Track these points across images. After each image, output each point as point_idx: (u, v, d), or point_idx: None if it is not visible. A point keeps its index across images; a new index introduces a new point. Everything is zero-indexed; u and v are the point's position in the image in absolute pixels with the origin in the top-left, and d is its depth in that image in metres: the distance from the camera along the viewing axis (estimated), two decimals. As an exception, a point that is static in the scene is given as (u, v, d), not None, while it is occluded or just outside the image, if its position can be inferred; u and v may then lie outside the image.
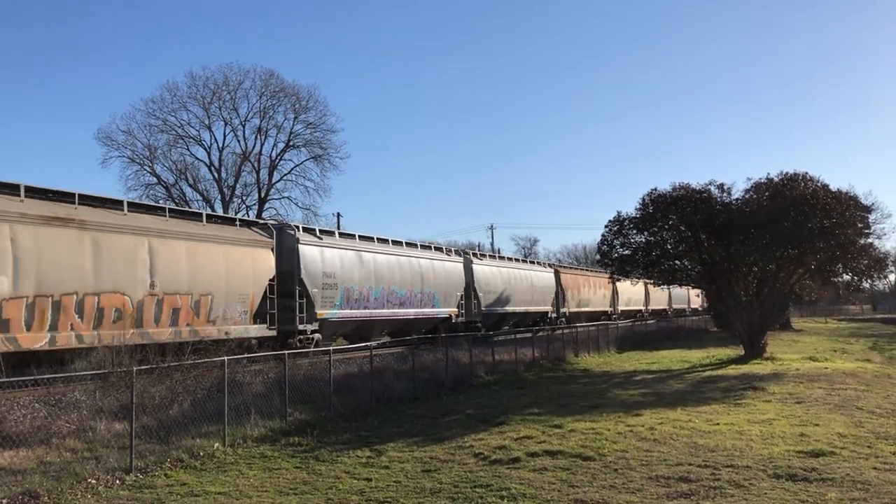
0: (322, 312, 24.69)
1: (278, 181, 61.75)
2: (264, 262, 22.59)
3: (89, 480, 9.93)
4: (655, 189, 30.23)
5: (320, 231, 26.96)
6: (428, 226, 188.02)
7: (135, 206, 19.96)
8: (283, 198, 62.05)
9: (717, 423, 14.03)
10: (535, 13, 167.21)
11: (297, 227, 25.19)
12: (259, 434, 13.09)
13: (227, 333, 20.54)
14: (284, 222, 27.06)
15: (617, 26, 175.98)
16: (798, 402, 16.87)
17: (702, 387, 20.46)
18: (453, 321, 32.78)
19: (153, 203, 24.74)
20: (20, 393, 14.23)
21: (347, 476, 10.42)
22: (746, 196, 29.44)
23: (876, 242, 30.80)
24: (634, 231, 30.73)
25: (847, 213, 27.45)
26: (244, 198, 61.41)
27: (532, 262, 46.44)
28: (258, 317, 22.21)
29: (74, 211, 17.50)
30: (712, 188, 29.63)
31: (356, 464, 11.21)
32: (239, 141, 60.61)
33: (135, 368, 11.68)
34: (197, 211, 25.46)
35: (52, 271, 16.48)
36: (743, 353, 29.97)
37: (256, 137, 60.64)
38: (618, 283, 47.79)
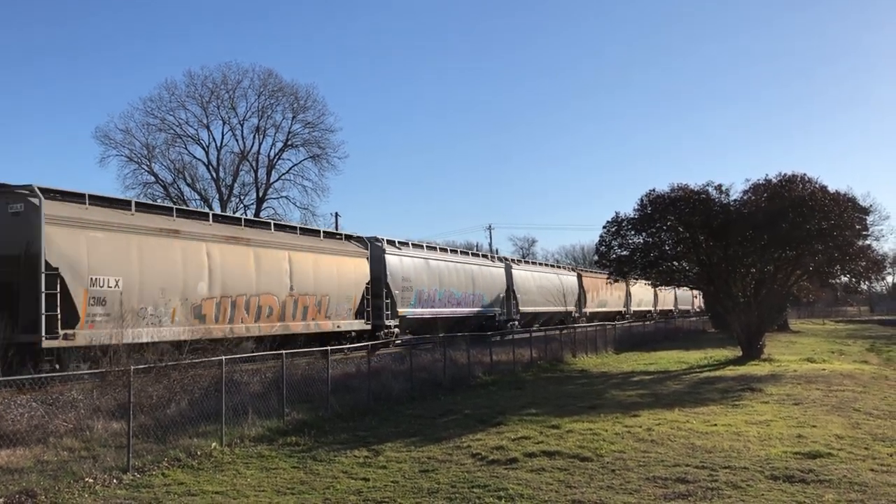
0: (401, 311, 30.07)
1: (276, 181, 61.82)
2: (362, 269, 27.88)
3: (86, 479, 9.92)
4: (654, 190, 30.26)
5: (399, 242, 31.99)
6: (426, 226, 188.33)
7: (279, 227, 25.78)
8: (282, 197, 62.13)
9: (715, 425, 14.04)
10: (534, 13, 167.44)
11: (383, 240, 30.42)
12: (257, 434, 13.08)
13: (338, 326, 26.07)
14: (374, 236, 30.60)
15: (616, 26, 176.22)
16: (795, 404, 16.88)
17: (699, 388, 20.47)
18: (497, 319, 37.75)
19: (288, 223, 29.11)
20: (17, 392, 14.22)
21: (345, 476, 10.42)
22: (745, 197, 29.45)
23: (874, 244, 30.82)
24: (633, 232, 30.72)
25: (845, 214, 27.46)
26: (242, 197, 61.48)
27: (559, 267, 50.83)
28: (358, 314, 27.29)
29: (242, 231, 22.90)
30: (710, 189, 29.66)
31: (354, 464, 11.20)
32: (237, 140, 60.67)
33: (132, 368, 11.67)
34: (316, 228, 30.17)
35: (231, 278, 21.64)
36: (741, 354, 29.98)
37: (255, 137, 60.70)
38: (631, 286, 52.23)
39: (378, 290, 28.73)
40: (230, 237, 22.01)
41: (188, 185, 60.03)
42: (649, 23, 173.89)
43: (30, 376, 12.55)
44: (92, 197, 18.78)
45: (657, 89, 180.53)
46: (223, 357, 13.78)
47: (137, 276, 18.78)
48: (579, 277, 49.69)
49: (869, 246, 29.89)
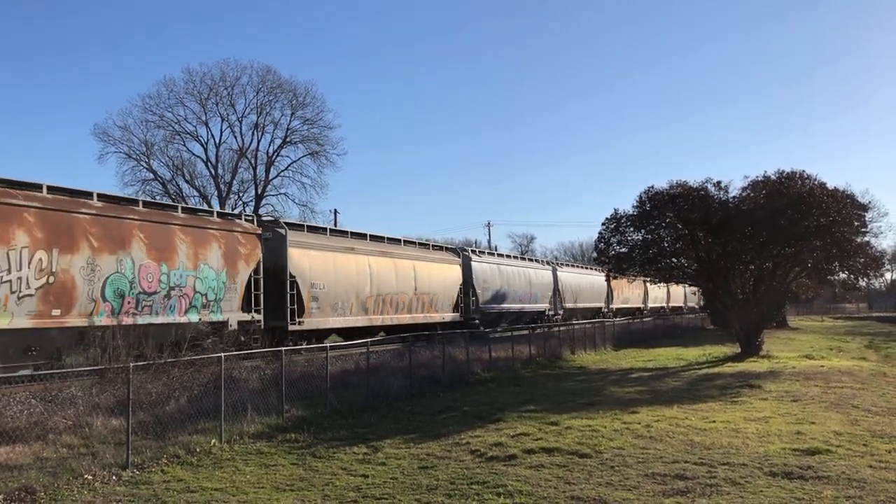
0: (482, 306, 36.48)
1: (275, 177, 61.80)
2: (457, 274, 34.92)
3: (86, 476, 9.93)
4: (653, 187, 30.28)
5: (479, 251, 40.42)
6: (425, 223, 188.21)
7: (407, 242, 32.53)
8: (280, 194, 62.13)
9: (714, 421, 14.05)
10: (534, 12, 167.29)
11: (470, 250, 37.79)
12: (256, 430, 13.09)
13: (443, 318, 32.90)
14: (464, 247, 37.89)
15: (616, 25, 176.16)
16: (794, 400, 16.90)
17: (698, 384, 20.49)
18: (545, 314, 43.34)
19: (412, 240, 33.98)
20: (16, 388, 14.23)
21: (344, 472, 10.43)
22: (743, 194, 29.46)
23: (872, 241, 30.76)
24: (632, 229, 30.74)
25: (844, 211, 27.46)
26: (241, 194, 61.45)
27: (593, 269, 53.13)
28: (455, 308, 34.17)
29: (386, 247, 30.24)
30: (709, 186, 29.65)
31: (353, 460, 11.21)
32: (236, 137, 60.63)
33: (131, 364, 11.67)
34: (426, 242, 36.34)
35: (381, 282, 28.74)
36: (739, 350, 30.01)
37: (253, 133, 60.66)
38: (648, 284, 56.13)
39: (467, 290, 35.49)
40: (380, 251, 29.42)
41: (187, 181, 60.07)
42: (649, 22, 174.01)
43: (29, 374, 12.54)
44: (309, 227, 27.78)
45: (657, 88, 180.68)
46: (222, 354, 13.78)
47: (333, 281, 26.08)
48: (607, 278, 52.50)
49: (867, 243, 29.90)
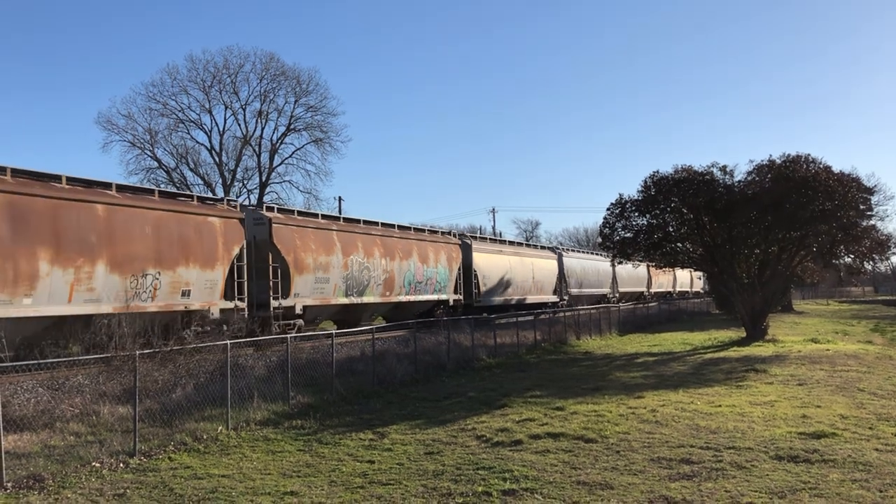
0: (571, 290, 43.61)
1: (279, 165, 61.72)
2: (554, 265, 44.79)
3: (93, 464, 9.98)
4: (657, 172, 30.17)
5: (567, 247, 51.52)
6: (429, 209, 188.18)
7: (528, 245, 42.29)
8: (284, 181, 62.07)
9: (719, 405, 14.06)
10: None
11: (561, 248, 48.90)
12: (262, 417, 13.13)
13: (549, 299, 42.92)
14: (557, 245, 46.41)
15: (622, 9, 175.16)
16: (800, 384, 16.90)
17: (703, 369, 20.49)
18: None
19: (523, 242, 37.90)
20: (24, 377, 14.27)
21: (350, 458, 10.46)
22: (749, 178, 29.36)
23: (878, 224, 30.69)
24: (636, 214, 30.66)
25: (849, 194, 27.34)
26: (245, 182, 61.40)
27: (597, 254, 54.49)
28: (555, 291, 44.24)
29: (520, 249, 42.96)
30: (714, 170, 29.54)
31: (359, 446, 11.24)
32: (240, 125, 60.51)
33: (137, 353, 11.70)
34: (534, 244, 45.25)
35: (518, 274, 39.47)
36: (745, 335, 29.99)
37: (257, 121, 60.52)
38: (676, 270, 61.77)
39: (561, 277, 45.01)
40: (513, 253, 40.49)
41: (191, 170, 60.01)
42: (655, 5, 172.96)
43: (35, 361, 12.57)
44: (480, 237, 39.25)
45: (662, 72, 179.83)
46: (227, 341, 13.80)
47: (497, 274, 36.87)
48: (648, 267, 56.10)
49: (873, 226, 29.83)
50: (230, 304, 20.67)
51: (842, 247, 29.81)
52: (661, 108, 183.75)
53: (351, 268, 25.79)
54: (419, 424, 12.86)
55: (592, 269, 51.67)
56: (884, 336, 36.96)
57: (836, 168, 28.34)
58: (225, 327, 19.61)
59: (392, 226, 29.96)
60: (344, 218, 28.83)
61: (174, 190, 28.65)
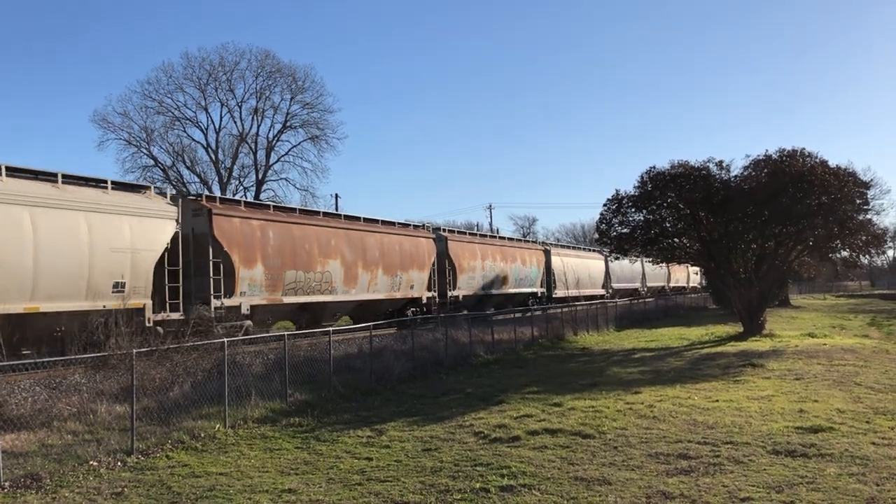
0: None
1: (275, 162, 61.78)
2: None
3: (91, 462, 9.97)
4: (654, 167, 30.15)
5: (555, 244, 52.87)
6: (426, 206, 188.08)
7: (368, 221, 29.66)
8: (281, 179, 62.23)
9: (717, 400, 14.08)
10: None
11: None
12: (259, 415, 13.12)
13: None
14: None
15: (619, 7, 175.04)
16: (797, 379, 16.92)
17: (700, 364, 20.52)
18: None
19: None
20: (20, 376, 14.25)
21: (348, 456, 10.46)
22: (745, 173, 29.35)
23: (874, 218, 30.75)
24: (633, 209, 30.65)
25: (846, 189, 27.36)
26: (241, 179, 61.45)
27: (592, 250, 55.42)
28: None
29: (579, 251, 51.71)
30: (711, 165, 29.55)
31: (357, 443, 11.24)
32: (236, 122, 60.52)
33: (134, 351, 11.69)
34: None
35: (581, 273, 48.13)
36: (742, 330, 30.02)
37: (253, 118, 60.54)
38: (689, 267, 64.85)
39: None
40: (574, 255, 48.32)
41: (187, 167, 60.03)
42: (651, 4, 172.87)
43: (32, 360, 12.56)
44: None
45: (659, 68, 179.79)
46: (224, 339, 13.79)
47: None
48: (668, 267, 58.18)
49: (869, 220, 29.84)
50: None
51: (838, 241, 29.82)
52: (658, 104, 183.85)
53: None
54: (417, 421, 12.86)
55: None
56: (880, 330, 37.04)
57: (832, 162, 28.41)
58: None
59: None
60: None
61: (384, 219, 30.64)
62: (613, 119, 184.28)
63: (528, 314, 30.59)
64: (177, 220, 19.94)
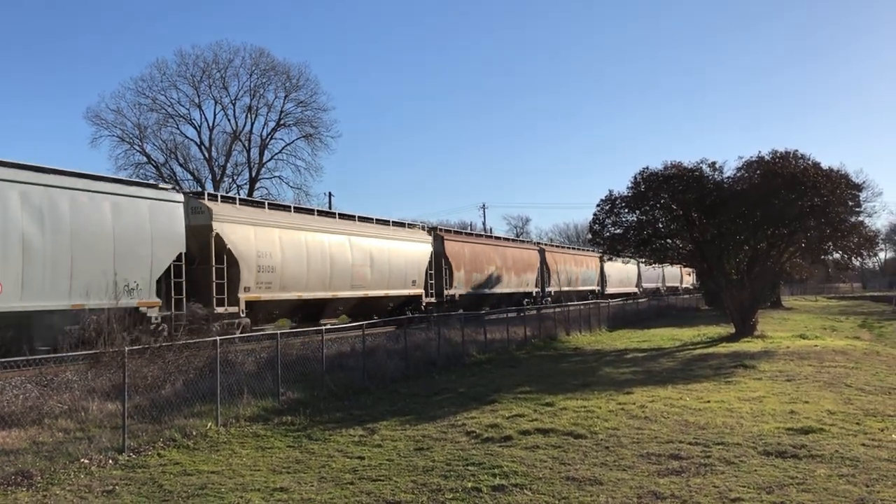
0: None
1: (269, 160, 61.67)
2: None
3: (82, 460, 9.94)
4: (647, 168, 30.25)
5: (550, 244, 53.24)
6: (419, 205, 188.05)
7: (363, 220, 30.20)
8: (274, 177, 62.03)
9: (708, 401, 14.11)
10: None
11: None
12: (252, 413, 13.10)
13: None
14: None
15: (615, 8, 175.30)
16: (788, 380, 16.98)
17: (692, 365, 20.57)
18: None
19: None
20: (12, 373, 14.22)
21: (340, 455, 10.46)
22: (738, 175, 29.45)
23: (866, 221, 30.83)
24: (626, 210, 30.73)
25: (838, 191, 27.47)
26: (235, 177, 61.33)
27: (586, 250, 56.39)
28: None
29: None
30: (704, 167, 29.63)
31: (349, 442, 11.24)
32: (229, 120, 60.40)
33: (126, 349, 11.66)
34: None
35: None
36: (734, 331, 30.10)
37: (247, 116, 60.42)
38: (682, 268, 64.55)
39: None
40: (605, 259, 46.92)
41: (181, 165, 59.90)
42: (644, 6, 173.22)
43: (24, 357, 12.53)
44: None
45: (654, 70, 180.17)
46: (217, 338, 13.78)
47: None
48: (682, 269, 60.15)
49: (861, 222, 29.94)
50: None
51: (830, 243, 29.94)
52: (654, 106, 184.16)
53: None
54: (409, 420, 12.87)
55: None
56: (871, 332, 37.23)
57: (824, 164, 28.51)
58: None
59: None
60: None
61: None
62: (608, 120, 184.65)
63: (522, 314, 30.63)
64: (431, 243, 33.31)
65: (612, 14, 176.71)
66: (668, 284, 70.21)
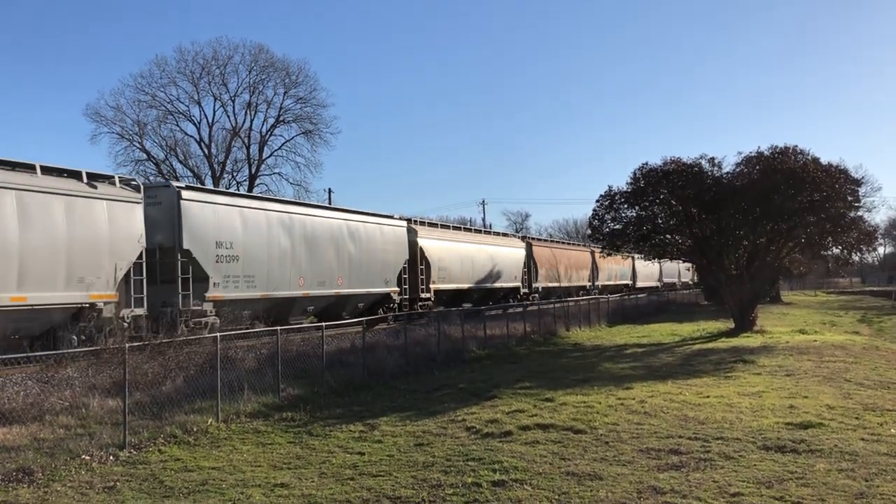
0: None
1: (269, 157, 61.66)
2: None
3: (83, 457, 9.96)
4: (646, 163, 30.24)
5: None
6: (419, 201, 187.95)
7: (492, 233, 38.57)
8: (274, 173, 62.00)
9: (708, 396, 14.13)
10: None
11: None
12: (252, 409, 13.12)
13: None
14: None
15: (616, 7, 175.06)
16: (787, 375, 17.00)
17: (692, 360, 20.59)
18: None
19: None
20: (13, 370, 14.24)
21: (341, 450, 10.48)
22: (737, 170, 29.44)
23: (866, 216, 30.93)
24: (625, 205, 30.73)
25: (837, 186, 27.47)
26: (234, 174, 61.32)
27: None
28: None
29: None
30: (703, 162, 29.63)
31: (349, 438, 11.26)
32: (229, 116, 60.36)
33: (127, 346, 11.68)
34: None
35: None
36: (733, 326, 30.13)
37: (246, 113, 60.39)
38: (681, 263, 62.31)
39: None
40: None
41: (180, 161, 59.88)
42: (643, 6, 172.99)
43: (24, 354, 12.55)
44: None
45: (652, 67, 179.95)
46: (217, 334, 13.79)
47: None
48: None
49: (861, 217, 29.96)
50: None
51: (830, 238, 29.95)
52: (654, 102, 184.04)
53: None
54: (409, 416, 12.89)
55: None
56: (871, 327, 37.26)
57: (823, 160, 28.52)
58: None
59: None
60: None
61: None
62: (609, 116, 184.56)
63: (521, 310, 30.64)
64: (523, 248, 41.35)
65: (614, 13, 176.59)
66: (665, 280, 70.29)
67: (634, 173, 30.22)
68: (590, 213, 32.78)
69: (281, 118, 61.22)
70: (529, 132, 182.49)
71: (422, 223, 35.14)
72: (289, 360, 15.61)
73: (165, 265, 20.95)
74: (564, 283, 49.02)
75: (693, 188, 28.68)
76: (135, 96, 58.10)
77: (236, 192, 28.13)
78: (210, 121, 59.90)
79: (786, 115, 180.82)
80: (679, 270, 73.19)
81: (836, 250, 31.75)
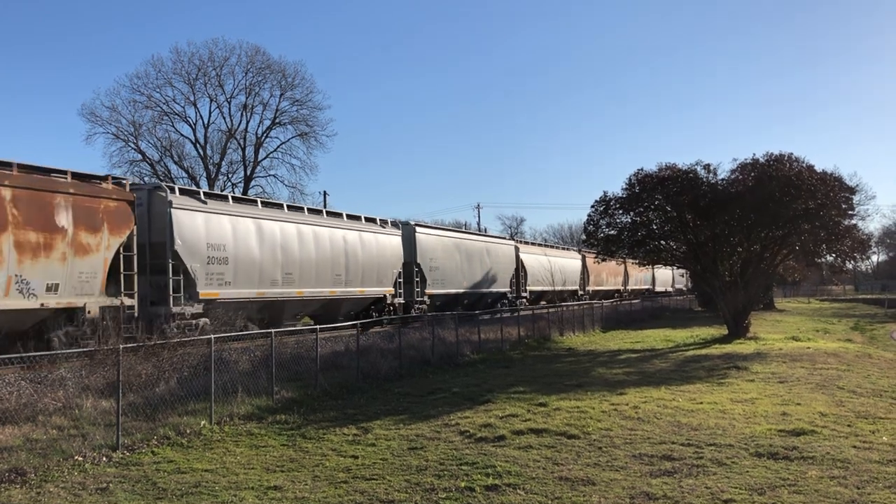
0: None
1: (264, 159, 61.52)
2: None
3: (76, 457, 9.94)
4: (642, 169, 30.34)
5: (527, 241, 51.98)
6: (414, 205, 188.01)
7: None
8: (269, 175, 61.90)
9: (701, 402, 14.16)
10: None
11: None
12: (246, 412, 13.11)
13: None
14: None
15: (610, 17, 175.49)
16: (780, 382, 17.04)
17: (686, 366, 20.62)
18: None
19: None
20: (5, 370, 14.20)
21: (334, 454, 10.48)
22: (732, 177, 29.53)
23: (860, 224, 31.02)
24: (620, 211, 30.81)
25: (832, 194, 27.57)
26: (230, 175, 61.15)
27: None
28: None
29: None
30: (698, 168, 29.74)
31: (343, 441, 11.26)
32: (224, 118, 60.23)
33: (121, 346, 11.66)
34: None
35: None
36: (727, 332, 30.20)
37: (242, 114, 60.26)
38: (675, 269, 66.49)
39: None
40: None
41: (175, 163, 59.70)
42: (642, 14, 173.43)
43: (18, 355, 12.51)
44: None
45: (652, 74, 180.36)
46: (212, 336, 13.78)
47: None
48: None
49: (855, 226, 30.10)
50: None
51: (824, 246, 30.05)
52: (650, 109, 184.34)
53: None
54: (403, 420, 12.89)
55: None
56: (863, 334, 37.39)
57: (818, 167, 28.63)
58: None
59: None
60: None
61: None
62: (604, 122, 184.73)
63: (516, 314, 30.65)
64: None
65: (612, 20, 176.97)
66: (658, 286, 70.44)
67: (630, 179, 30.34)
68: (585, 218, 32.87)
69: (277, 120, 61.16)
70: (526, 137, 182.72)
71: (522, 241, 38.33)
72: (283, 363, 15.60)
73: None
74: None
75: (688, 194, 28.76)
76: (130, 97, 58.01)
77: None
78: (206, 122, 59.84)
79: (781, 124, 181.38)
80: (673, 276, 73.39)
81: (830, 258, 31.87)
